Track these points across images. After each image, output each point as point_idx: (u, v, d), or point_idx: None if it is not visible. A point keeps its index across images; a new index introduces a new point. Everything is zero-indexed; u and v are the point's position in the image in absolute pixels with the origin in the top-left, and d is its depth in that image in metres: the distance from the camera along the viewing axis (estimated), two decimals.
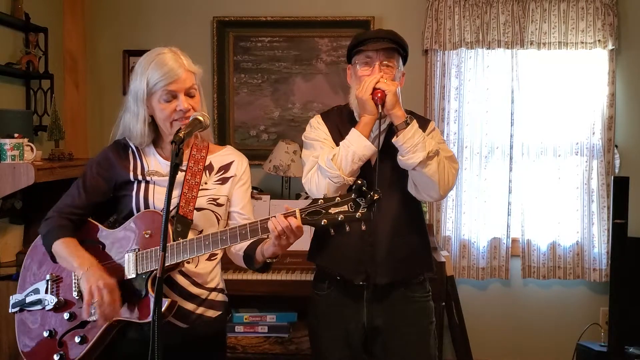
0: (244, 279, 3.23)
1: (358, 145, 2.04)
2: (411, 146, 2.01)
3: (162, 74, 1.78)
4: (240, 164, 1.99)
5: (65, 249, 1.81)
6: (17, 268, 2.88)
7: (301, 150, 2.34)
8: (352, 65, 2.20)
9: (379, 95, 2.02)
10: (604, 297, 3.71)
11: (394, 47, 2.13)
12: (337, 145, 2.12)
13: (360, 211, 1.62)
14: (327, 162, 2.03)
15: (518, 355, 3.91)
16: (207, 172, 1.92)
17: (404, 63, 2.22)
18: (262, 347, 3.47)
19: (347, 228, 1.65)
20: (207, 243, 1.73)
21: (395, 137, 2.05)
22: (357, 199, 1.62)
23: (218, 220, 1.91)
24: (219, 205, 1.91)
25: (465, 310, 3.63)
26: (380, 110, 2.03)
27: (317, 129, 2.22)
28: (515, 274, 3.86)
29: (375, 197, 1.61)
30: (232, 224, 1.94)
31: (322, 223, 1.65)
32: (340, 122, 2.21)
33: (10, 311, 1.93)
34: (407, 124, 2.03)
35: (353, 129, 2.08)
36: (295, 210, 1.68)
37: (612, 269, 3.40)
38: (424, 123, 2.20)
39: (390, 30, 2.19)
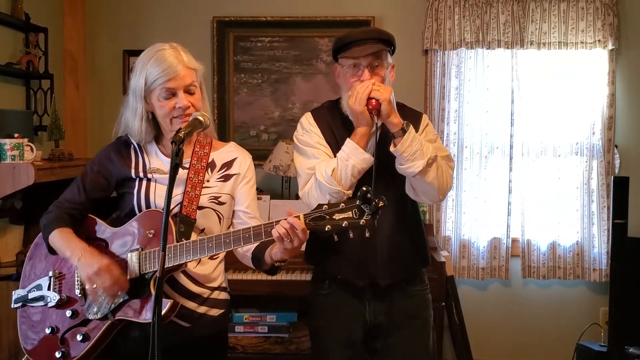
0: (244, 279, 3.23)
1: (356, 158, 1.99)
2: (410, 154, 1.96)
3: (161, 70, 1.77)
4: (243, 161, 1.97)
5: (60, 240, 1.81)
6: (17, 268, 2.88)
7: None
8: (339, 65, 2.14)
9: (374, 104, 1.97)
10: (604, 297, 3.72)
11: (382, 48, 2.07)
12: (330, 146, 2.09)
13: (364, 218, 1.60)
14: (326, 177, 1.98)
15: (518, 355, 3.91)
16: (209, 169, 1.90)
17: (392, 53, 2.15)
18: (262, 347, 3.46)
19: (351, 235, 1.64)
20: (210, 245, 1.72)
21: (392, 146, 2.00)
22: (362, 206, 1.61)
23: (220, 219, 1.89)
24: (220, 203, 1.88)
25: (465, 310, 3.62)
26: (376, 121, 1.99)
27: (309, 132, 2.15)
28: (515, 274, 3.86)
29: (380, 205, 1.60)
30: (237, 222, 1.93)
31: (326, 229, 1.63)
32: (333, 121, 2.16)
33: (12, 306, 1.93)
34: (404, 132, 1.97)
35: (349, 140, 2.02)
36: (299, 215, 1.67)
37: (612, 269, 3.40)
38: (416, 118, 2.15)
39: (375, 29, 2.13)
